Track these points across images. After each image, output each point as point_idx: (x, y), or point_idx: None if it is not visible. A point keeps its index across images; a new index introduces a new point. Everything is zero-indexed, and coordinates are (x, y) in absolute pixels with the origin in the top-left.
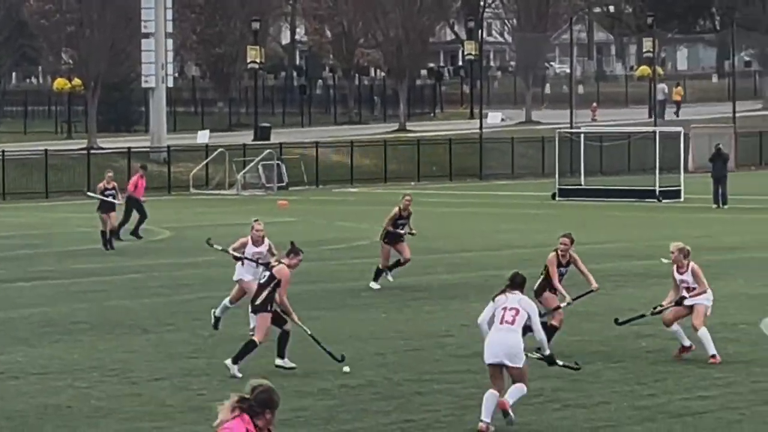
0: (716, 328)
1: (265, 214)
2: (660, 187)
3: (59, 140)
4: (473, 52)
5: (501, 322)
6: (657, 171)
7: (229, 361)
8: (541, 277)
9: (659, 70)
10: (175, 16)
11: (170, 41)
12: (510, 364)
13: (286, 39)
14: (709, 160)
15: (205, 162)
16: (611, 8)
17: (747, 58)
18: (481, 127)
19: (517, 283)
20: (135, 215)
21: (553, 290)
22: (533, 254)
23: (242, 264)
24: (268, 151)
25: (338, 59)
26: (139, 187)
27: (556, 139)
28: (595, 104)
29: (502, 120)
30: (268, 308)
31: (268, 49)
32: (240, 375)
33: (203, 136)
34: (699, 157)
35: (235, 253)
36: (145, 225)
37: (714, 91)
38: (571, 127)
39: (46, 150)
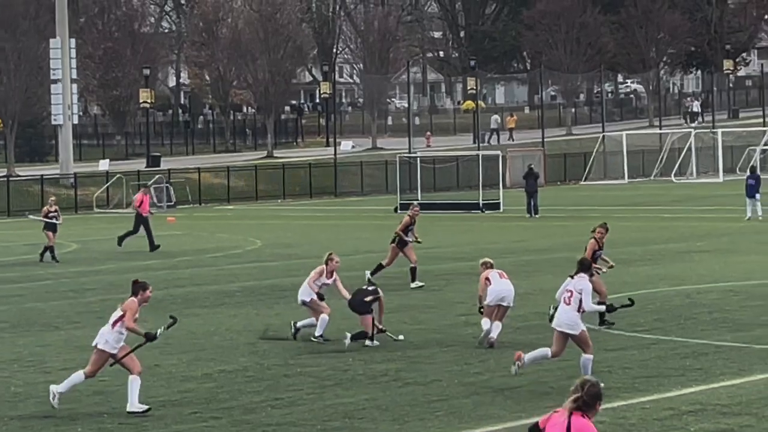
0: (529, 317)
1: (157, 228)
2: (483, 200)
3: None
4: (328, 91)
5: (564, 301)
6: (480, 187)
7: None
8: None
9: (481, 104)
10: (79, 65)
11: (75, 86)
12: (570, 332)
13: (172, 82)
14: (523, 177)
15: (106, 186)
16: (441, 53)
17: (553, 93)
18: (335, 153)
19: (583, 267)
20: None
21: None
22: (380, 257)
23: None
24: (158, 175)
25: (216, 98)
26: (144, 204)
27: (397, 162)
28: (429, 133)
29: (353, 147)
30: (369, 310)
31: (157, 91)
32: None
33: (104, 165)
34: (515, 175)
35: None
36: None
37: (527, 121)
38: (410, 152)
39: None
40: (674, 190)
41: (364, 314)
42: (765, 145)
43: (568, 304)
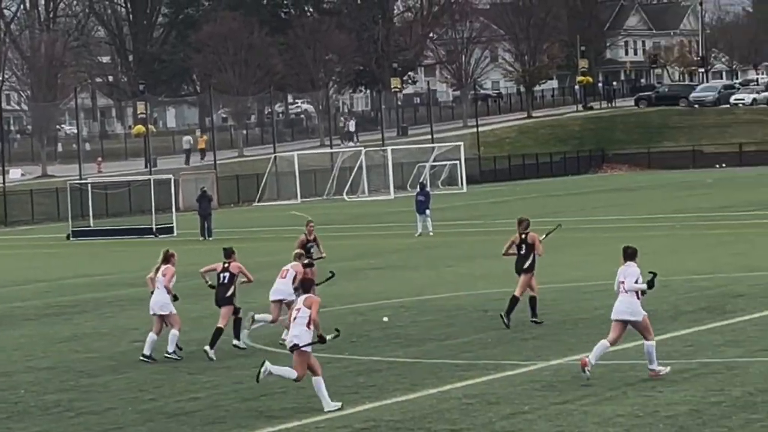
0: (192, 343)
1: None
2: (156, 224)
3: None
4: None
5: (620, 291)
6: (153, 211)
7: (207, 347)
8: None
9: (152, 128)
10: None
11: None
12: (632, 319)
13: None
14: (197, 200)
15: None
16: (110, 78)
17: (224, 115)
18: (3, 182)
19: (628, 254)
20: None
21: (533, 269)
22: (53, 286)
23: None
24: None
25: None
26: None
27: (68, 189)
28: (100, 159)
29: (22, 175)
30: (233, 301)
31: None
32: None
33: None
34: (188, 198)
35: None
36: None
37: (181, 143)
38: (80, 179)
39: None
40: (347, 209)
41: (228, 306)
42: (434, 161)
43: (626, 292)
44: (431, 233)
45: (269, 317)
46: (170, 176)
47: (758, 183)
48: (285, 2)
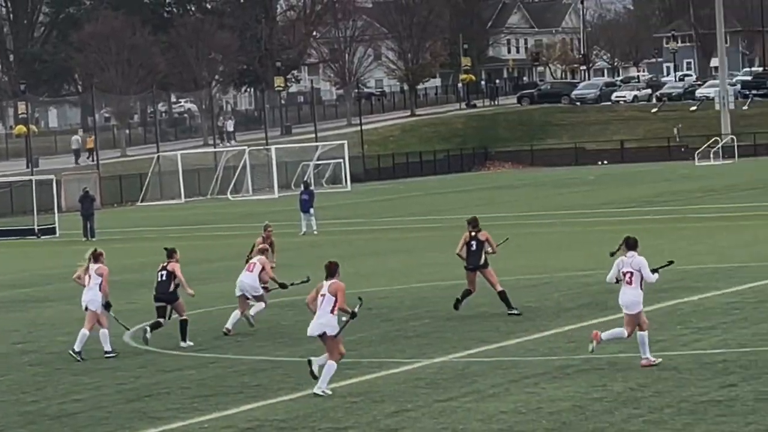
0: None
1: None
2: (38, 225)
3: None
4: None
5: (624, 283)
6: (35, 212)
7: (182, 343)
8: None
9: (33, 128)
10: None
11: None
12: (628, 312)
13: None
14: (79, 200)
15: None
16: None
17: (107, 115)
18: None
19: (630, 245)
20: None
21: (488, 265)
22: None
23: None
24: None
25: None
26: None
27: None
28: None
29: None
30: (178, 296)
31: None
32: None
33: None
34: (70, 198)
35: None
36: None
37: (63, 143)
38: None
39: None
40: (231, 208)
41: (176, 301)
42: (318, 160)
43: (630, 284)
44: (315, 232)
45: (238, 314)
46: (52, 177)
47: (639, 179)
48: (167, 1)
